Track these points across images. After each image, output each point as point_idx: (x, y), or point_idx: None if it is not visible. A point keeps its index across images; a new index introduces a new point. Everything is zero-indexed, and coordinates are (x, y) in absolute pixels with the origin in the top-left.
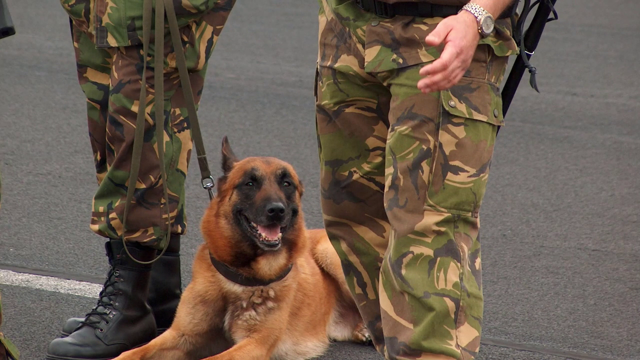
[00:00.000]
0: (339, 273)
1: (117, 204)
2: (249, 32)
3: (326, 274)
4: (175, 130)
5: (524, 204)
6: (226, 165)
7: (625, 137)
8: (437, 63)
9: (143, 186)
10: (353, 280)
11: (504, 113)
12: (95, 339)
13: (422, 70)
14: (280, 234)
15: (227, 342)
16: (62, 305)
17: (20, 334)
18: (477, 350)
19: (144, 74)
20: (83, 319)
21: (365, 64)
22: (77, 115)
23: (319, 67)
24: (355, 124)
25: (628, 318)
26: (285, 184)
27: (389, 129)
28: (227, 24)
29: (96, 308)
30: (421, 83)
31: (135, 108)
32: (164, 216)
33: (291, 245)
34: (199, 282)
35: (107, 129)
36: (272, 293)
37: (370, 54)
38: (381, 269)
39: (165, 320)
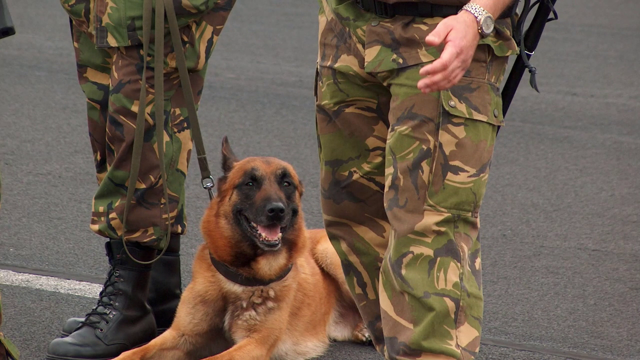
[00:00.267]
0: (339, 273)
1: (117, 204)
2: (249, 32)
3: (326, 274)
4: (175, 130)
5: (524, 204)
6: (226, 165)
7: (625, 137)
8: (437, 63)
9: (143, 186)
10: (353, 280)
11: (504, 113)
12: (95, 339)
13: (422, 70)
14: (280, 234)
15: (227, 342)
16: (62, 305)
17: (20, 334)
18: (477, 350)
19: (144, 74)
20: (83, 319)
21: (365, 64)
22: (77, 115)
23: (319, 67)
24: (355, 124)
25: (628, 318)
26: (285, 184)
27: (389, 129)
28: (227, 24)
29: (96, 308)
30: (421, 83)
31: (135, 108)
32: (164, 216)
33: (291, 245)
34: (199, 282)
35: (107, 129)
36: (272, 293)
37: (370, 54)
38: (381, 269)
39: (165, 320)
